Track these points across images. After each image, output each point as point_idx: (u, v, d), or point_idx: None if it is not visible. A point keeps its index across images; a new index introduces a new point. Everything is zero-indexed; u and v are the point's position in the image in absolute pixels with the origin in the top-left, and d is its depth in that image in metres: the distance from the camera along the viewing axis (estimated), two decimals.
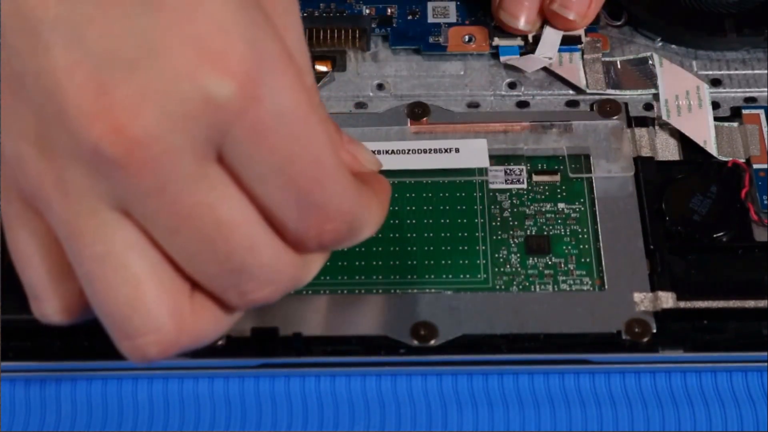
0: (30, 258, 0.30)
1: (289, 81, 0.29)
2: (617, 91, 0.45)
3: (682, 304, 0.39)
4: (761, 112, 0.44)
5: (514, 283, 0.40)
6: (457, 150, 0.42)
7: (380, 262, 0.40)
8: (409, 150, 0.43)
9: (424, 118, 0.44)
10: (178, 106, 0.27)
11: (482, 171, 0.42)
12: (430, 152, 0.42)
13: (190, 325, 0.30)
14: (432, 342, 0.38)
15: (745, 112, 0.44)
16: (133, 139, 0.27)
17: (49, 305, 0.31)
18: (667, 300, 0.39)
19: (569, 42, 0.46)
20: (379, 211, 0.33)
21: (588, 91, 0.45)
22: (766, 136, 0.43)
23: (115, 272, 0.29)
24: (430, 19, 0.47)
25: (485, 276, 0.40)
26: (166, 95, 0.27)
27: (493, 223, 0.41)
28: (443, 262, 0.40)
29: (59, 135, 0.27)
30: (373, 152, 0.42)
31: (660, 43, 0.47)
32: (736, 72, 0.46)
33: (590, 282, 0.40)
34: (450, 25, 0.47)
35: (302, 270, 0.31)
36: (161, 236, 0.29)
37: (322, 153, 0.30)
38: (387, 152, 0.42)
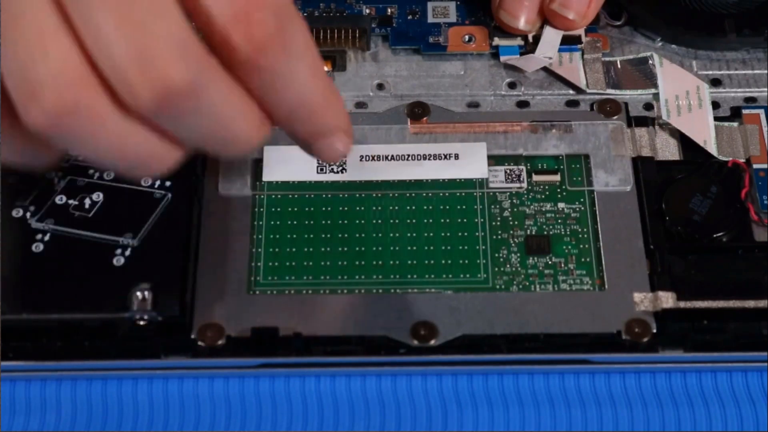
0: None
1: None
2: (617, 91, 0.45)
3: (682, 304, 0.39)
4: (761, 112, 0.44)
5: (514, 283, 0.40)
6: (456, 156, 0.42)
7: (380, 262, 0.40)
8: (408, 156, 0.42)
9: (424, 118, 0.44)
10: None
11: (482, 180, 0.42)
12: (429, 158, 0.42)
13: (89, 88, 0.31)
14: (432, 342, 0.38)
15: (745, 112, 0.44)
16: None
17: None
18: (667, 300, 0.39)
19: (569, 42, 0.46)
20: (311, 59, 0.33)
21: (588, 91, 0.45)
22: (766, 136, 0.43)
23: (23, 24, 0.30)
24: (430, 19, 0.47)
25: (485, 276, 0.40)
26: None
27: (493, 223, 0.41)
28: (443, 262, 0.40)
29: None
30: (373, 157, 0.42)
31: (660, 43, 0.47)
32: (736, 72, 0.46)
33: (590, 282, 0.40)
34: (450, 25, 0.47)
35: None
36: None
37: None
38: (386, 158, 0.42)
